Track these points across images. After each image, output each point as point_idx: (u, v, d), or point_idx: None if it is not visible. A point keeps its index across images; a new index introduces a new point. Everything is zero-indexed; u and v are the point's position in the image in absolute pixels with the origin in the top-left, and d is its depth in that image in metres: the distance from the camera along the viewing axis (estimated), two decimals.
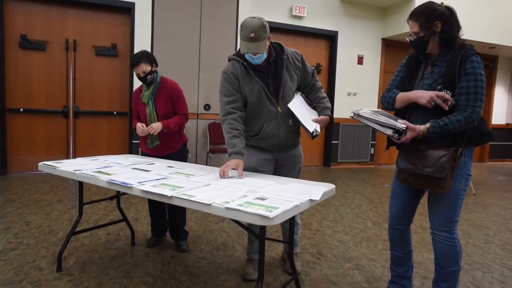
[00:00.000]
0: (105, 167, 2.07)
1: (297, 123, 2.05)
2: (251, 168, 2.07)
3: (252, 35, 1.81)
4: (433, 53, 1.67)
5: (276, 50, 2.02)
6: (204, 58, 5.39)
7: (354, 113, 1.70)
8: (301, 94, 2.14)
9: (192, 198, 1.40)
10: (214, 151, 5.36)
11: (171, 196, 1.45)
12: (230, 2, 5.52)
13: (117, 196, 2.49)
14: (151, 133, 2.39)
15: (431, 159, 1.58)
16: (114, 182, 1.69)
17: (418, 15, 1.62)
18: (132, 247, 2.57)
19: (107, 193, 4.00)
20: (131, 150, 5.18)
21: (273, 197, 1.44)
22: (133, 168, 2.07)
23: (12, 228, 2.84)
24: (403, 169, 1.70)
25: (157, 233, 2.65)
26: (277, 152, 2.09)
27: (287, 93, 2.02)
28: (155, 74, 2.43)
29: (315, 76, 2.17)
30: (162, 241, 2.69)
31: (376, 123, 1.63)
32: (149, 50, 5.11)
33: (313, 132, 1.98)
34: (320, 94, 2.16)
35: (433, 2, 1.66)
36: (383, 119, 1.61)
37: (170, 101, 2.48)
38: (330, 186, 1.68)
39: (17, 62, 4.77)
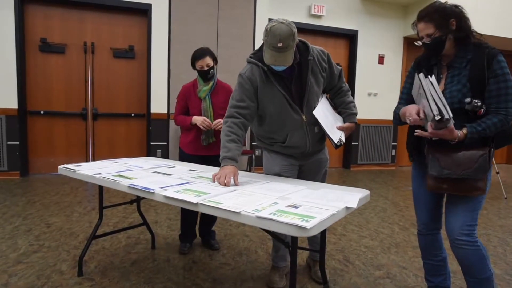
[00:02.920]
0: (125, 170, 2.02)
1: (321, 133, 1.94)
2: (275, 174, 1.98)
3: (280, 45, 1.61)
4: (448, 54, 1.57)
5: (301, 51, 1.80)
6: (221, 59, 5.32)
7: (424, 74, 1.45)
8: (326, 97, 2.01)
9: (219, 206, 1.31)
10: None
11: (197, 203, 1.37)
12: (247, 2, 5.45)
13: (137, 200, 2.44)
14: (217, 128, 2.37)
15: (469, 160, 1.47)
16: (135, 187, 1.62)
17: (431, 15, 1.52)
18: (153, 251, 2.52)
19: (125, 195, 3.98)
20: (149, 152, 5.17)
21: (306, 204, 1.35)
22: (154, 172, 2.01)
23: (33, 230, 2.83)
24: (437, 177, 1.53)
25: (190, 239, 2.59)
26: (301, 159, 1.99)
27: (312, 99, 1.85)
28: (214, 71, 2.46)
29: (341, 78, 2.02)
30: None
31: (431, 94, 1.39)
32: (166, 52, 5.10)
33: (337, 142, 1.87)
34: (346, 99, 2.02)
35: (439, 1, 1.60)
36: (442, 97, 1.39)
37: (227, 101, 2.47)
38: (365, 192, 1.57)
39: (37, 65, 4.83)
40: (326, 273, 2.12)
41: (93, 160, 5.11)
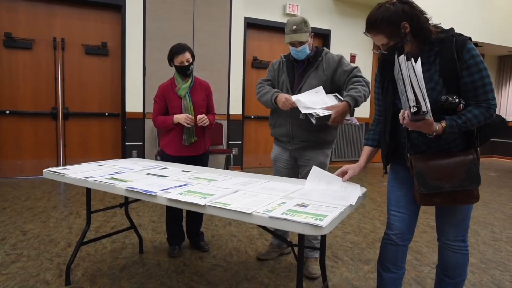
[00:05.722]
0: (117, 173, 1.95)
1: (318, 121, 1.95)
2: (273, 159, 2.35)
3: (294, 27, 2.06)
4: (413, 52, 1.43)
5: (315, 52, 2.18)
6: (197, 57, 5.22)
7: (405, 58, 1.26)
8: (335, 95, 2.07)
9: (228, 207, 1.31)
10: (211, 152, 5.24)
11: (204, 205, 1.35)
12: (223, 0, 5.41)
13: (126, 203, 2.36)
14: (202, 123, 2.36)
15: (458, 170, 1.35)
16: (134, 190, 1.57)
17: (378, 26, 1.38)
18: (141, 255, 2.45)
19: (103, 198, 3.84)
20: (124, 152, 5.01)
21: (313, 203, 1.37)
22: (147, 174, 1.95)
23: (8, 238, 2.65)
24: (427, 193, 1.39)
25: (178, 242, 2.54)
26: (289, 144, 2.22)
27: (305, 89, 2.10)
28: (193, 67, 2.45)
29: (354, 72, 2.07)
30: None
31: (410, 82, 1.24)
32: (141, 49, 4.96)
33: (313, 114, 1.90)
34: (351, 85, 2.04)
35: (383, 3, 1.41)
36: (422, 88, 1.23)
37: (206, 99, 2.49)
38: (362, 190, 1.63)
39: (2, 61, 4.52)
40: (316, 269, 2.18)
41: (65, 162, 4.87)
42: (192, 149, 2.45)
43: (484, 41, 6.90)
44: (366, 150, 1.70)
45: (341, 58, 2.14)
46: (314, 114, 1.92)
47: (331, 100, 2.03)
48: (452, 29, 1.40)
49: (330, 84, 2.11)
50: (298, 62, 2.18)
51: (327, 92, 2.07)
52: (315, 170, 1.69)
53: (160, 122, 2.43)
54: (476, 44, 1.38)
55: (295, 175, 2.29)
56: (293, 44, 2.09)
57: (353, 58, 6.77)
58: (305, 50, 2.10)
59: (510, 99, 8.45)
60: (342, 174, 1.67)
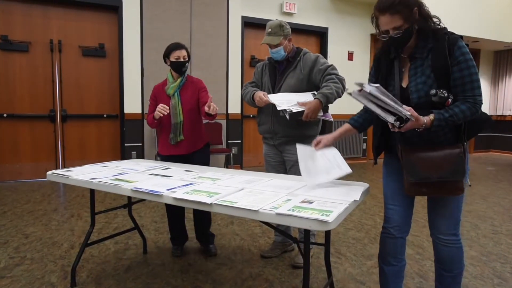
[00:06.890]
0: (121, 174, 1.95)
1: (292, 117, 2.09)
2: (264, 155, 2.43)
3: (269, 30, 2.21)
4: (409, 46, 1.47)
5: (295, 53, 2.27)
6: (195, 57, 5.26)
7: (357, 89, 1.33)
8: (313, 93, 2.18)
9: (235, 205, 1.32)
10: (210, 152, 5.24)
11: (211, 204, 1.36)
12: (220, 0, 5.41)
13: (129, 204, 2.37)
14: (209, 107, 2.24)
15: (445, 162, 1.41)
16: (140, 190, 1.58)
17: (396, 6, 1.38)
18: (145, 256, 2.45)
19: (104, 199, 3.84)
20: (123, 154, 5.00)
21: (319, 200, 1.38)
22: (151, 174, 1.96)
23: (10, 242, 2.65)
24: (415, 182, 1.45)
25: (181, 242, 2.54)
26: (272, 140, 2.32)
27: (284, 88, 2.22)
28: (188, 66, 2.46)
29: (327, 70, 2.15)
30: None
31: (378, 106, 1.32)
32: (139, 50, 4.96)
33: (284, 109, 2.05)
34: (324, 83, 2.12)
35: None
36: (389, 102, 1.30)
37: (196, 96, 2.43)
38: (365, 186, 1.64)
39: None
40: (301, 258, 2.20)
41: (64, 165, 4.86)
42: (179, 148, 2.42)
43: (481, 36, 6.93)
44: (346, 126, 1.74)
45: (317, 57, 2.21)
46: (287, 110, 2.05)
47: (308, 98, 2.12)
48: (445, 28, 1.47)
49: (307, 83, 2.20)
50: (279, 63, 2.28)
51: (305, 90, 2.19)
52: (300, 147, 1.72)
53: (149, 121, 2.43)
54: (468, 45, 1.45)
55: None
56: (268, 45, 2.21)
57: (350, 55, 6.79)
58: (280, 51, 2.21)
59: (507, 93, 8.51)
60: (316, 144, 1.74)
